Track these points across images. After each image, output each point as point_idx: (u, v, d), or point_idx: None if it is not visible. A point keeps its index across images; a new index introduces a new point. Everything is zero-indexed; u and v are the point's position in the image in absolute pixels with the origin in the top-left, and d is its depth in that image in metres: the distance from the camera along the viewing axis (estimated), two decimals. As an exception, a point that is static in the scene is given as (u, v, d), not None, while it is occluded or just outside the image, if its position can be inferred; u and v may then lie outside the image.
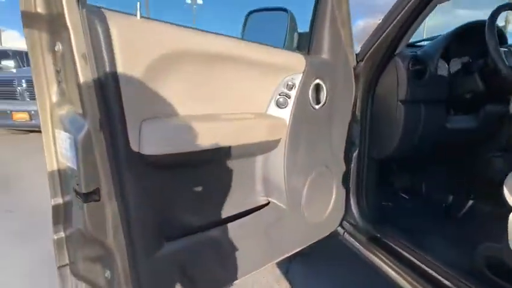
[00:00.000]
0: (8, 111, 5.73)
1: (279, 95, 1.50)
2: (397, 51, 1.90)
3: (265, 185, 1.53)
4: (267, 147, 1.47)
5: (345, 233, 2.11)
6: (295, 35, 1.77)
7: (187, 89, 1.22)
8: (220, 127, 1.27)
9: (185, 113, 1.21)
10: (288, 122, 1.50)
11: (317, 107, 1.61)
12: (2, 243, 2.79)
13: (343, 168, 1.87)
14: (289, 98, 1.50)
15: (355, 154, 2.07)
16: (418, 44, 2.17)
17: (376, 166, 2.09)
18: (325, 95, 1.63)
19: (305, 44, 1.68)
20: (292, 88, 1.51)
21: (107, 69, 0.99)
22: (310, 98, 1.57)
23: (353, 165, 2.06)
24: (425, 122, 1.91)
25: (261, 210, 1.51)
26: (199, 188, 1.34)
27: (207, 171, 1.33)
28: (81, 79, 0.97)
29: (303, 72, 1.53)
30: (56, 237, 1.23)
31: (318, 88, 1.62)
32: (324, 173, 1.73)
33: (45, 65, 1.09)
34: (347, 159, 1.93)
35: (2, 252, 2.64)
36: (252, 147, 1.38)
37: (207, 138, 1.22)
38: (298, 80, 1.52)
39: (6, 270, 2.39)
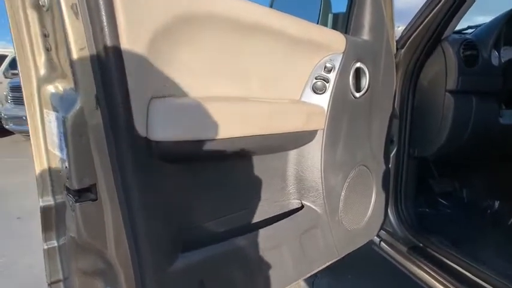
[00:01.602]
0: (24, 117, 5.54)
1: (316, 78, 1.20)
2: (443, 37, 1.59)
3: (299, 185, 1.23)
4: (302, 139, 1.17)
5: (381, 242, 1.78)
6: (330, 16, 1.47)
7: (208, 64, 0.93)
8: (246, 112, 0.97)
9: (204, 93, 0.92)
10: (326, 111, 1.20)
11: (358, 94, 1.30)
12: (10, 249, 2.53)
13: (383, 168, 1.55)
14: (328, 82, 1.20)
15: (393, 153, 1.75)
16: (464, 31, 1.86)
17: (416, 166, 1.77)
18: (367, 82, 1.32)
19: (341, 25, 1.39)
20: (331, 71, 1.21)
21: (105, 28, 0.70)
22: (351, 83, 1.27)
23: (391, 165, 1.74)
24: (477, 115, 1.59)
25: (294, 215, 1.20)
26: (221, 187, 1.04)
27: (230, 166, 1.04)
28: (71, 39, 0.69)
29: (343, 53, 1.23)
30: (46, 247, 0.94)
31: (358, 73, 1.32)
32: (363, 173, 1.41)
33: (29, 27, 0.81)
34: (386, 158, 1.61)
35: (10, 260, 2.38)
36: (285, 139, 1.08)
37: (230, 124, 0.92)
38: (337, 61, 1.22)
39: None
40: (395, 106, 1.68)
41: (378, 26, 1.40)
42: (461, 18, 1.56)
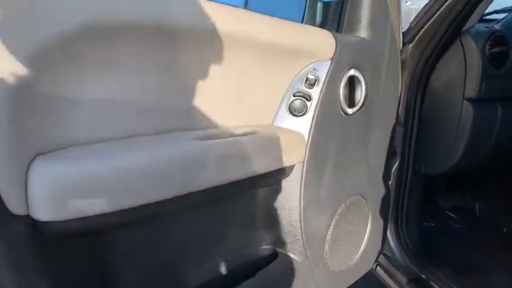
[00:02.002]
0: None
1: (294, 95, 0.91)
2: (464, 28, 1.26)
3: (272, 229, 0.96)
4: (273, 177, 0.89)
5: (377, 267, 1.53)
6: (319, 5, 1.15)
7: (132, 94, 0.65)
8: (188, 164, 0.69)
9: (123, 133, 0.64)
10: (307, 138, 0.91)
11: (351, 111, 1.01)
12: None
13: (382, 190, 1.28)
14: (310, 100, 0.91)
15: (395, 166, 1.46)
16: (488, 17, 1.50)
17: (421, 183, 1.49)
18: (363, 93, 1.02)
19: (333, 17, 1.07)
20: (314, 84, 0.91)
21: None
22: (342, 97, 0.97)
23: (392, 181, 1.46)
24: (502, 126, 1.28)
25: (267, 268, 0.95)
26: (162, 249, 0.78)
27: (171, 223, 0.77)
28: None
29: (332, 59, 0.93)
30: None
31: (352, 82, 1.02)
32: (356, 205, 1.14)
33: None
34: (386, 177, 1.33)
35: None
36: (247, 184, 0.81)
37: (164, 184, 0.65)
38: (323, 71, 0.93)
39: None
40: (400, 112, 1.38)
41: (379, 18, 1.08)
42: (490, 3, 1.23)
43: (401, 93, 1.32)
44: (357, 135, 1.08)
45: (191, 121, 0.74)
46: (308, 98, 0.90)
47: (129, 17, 0.60)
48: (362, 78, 1.01)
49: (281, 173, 0.86)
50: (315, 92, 0.91)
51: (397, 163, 1.47)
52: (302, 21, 1.11)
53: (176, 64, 0.69)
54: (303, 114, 0.90)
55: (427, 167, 1.38)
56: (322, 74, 0.92)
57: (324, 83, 0.92)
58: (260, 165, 0.80)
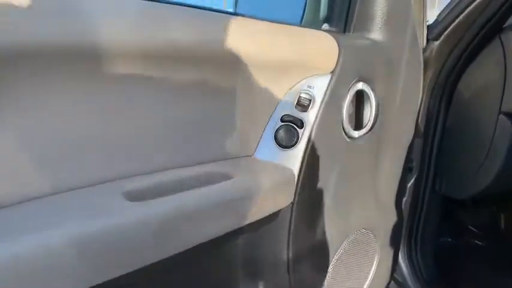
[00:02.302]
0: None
1: (282, 121, 0.71)
2: (506, 24, 1.01)
3: (251, 285, 0.79)
4: (253, 229, 0.70)
5: (387, 294, 1.36)
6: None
7: (35, 135, 0.46)
8: (124, 232, 0.50)
9: (25, 195, 0.47)
10: (297, 174, 0.71)
11: (357, 134, 0.80)
12: None
13: (394, 218, 1.08)
14: (302, 126, 0.71)
15: (411, 182, 1.26)
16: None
17: (440, 203, 1.28)
18: (373, 111, 0.81)
19: (340, 13, 0.84)
20: (308, 106, 0.71)
21: None
22: (345, 119, 0.76)
23: (406, 198, 1.25)
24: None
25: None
26: None
27: None
28: None
29: (333, 72, 0.72)
30: None
31: (360, 98, 0.80)
32: (361, 240, 0.95)
33: None
34: (400, 197, 1.13)
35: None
36: (215, 243, 0.62)
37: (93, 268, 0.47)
38: (321, 87, 0.72)
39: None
40: (419, 121, 1.16)
41: (398, 13, 0.85)
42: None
43: (422, 99, 1.09)
44: (365, 160, 0.87)
45: (132, 166, 0.55)
46: (299, 124, 0.70)
47: (30, 38, 0.41)
48: (372, 93, 0.80)
49: (261, 223, 0.67)
50: (309, 116, 0.71)
51: (413, 179, 1.26)
52: (302, 18, 0.88)
53: (108, 94, 0.50)
54: (293, 146, 0.70)
55: (449, 188, 1.17)
56: (319, 92, 0.71)
57: (321, 104, 0.71)
58: (231, 222, 0.61)
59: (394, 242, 1.11)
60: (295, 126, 0.70)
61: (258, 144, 0.71)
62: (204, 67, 0.59)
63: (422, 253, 1.29)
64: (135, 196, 0.52)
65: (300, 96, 0.70)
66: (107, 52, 0.47)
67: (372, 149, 0.89)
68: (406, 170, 1.14)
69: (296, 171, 0.71)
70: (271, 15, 0.69)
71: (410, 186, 1.26)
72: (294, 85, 0.71)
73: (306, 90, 0.71)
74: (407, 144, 1.07)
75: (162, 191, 0.55)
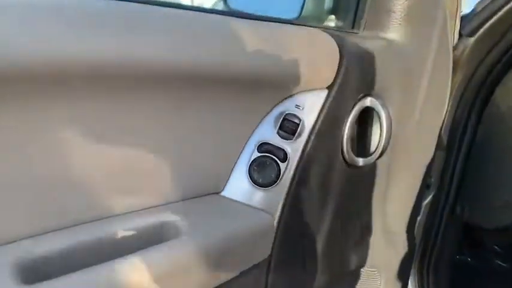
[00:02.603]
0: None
1: (260, 151, 0.54)
2: None
3: None
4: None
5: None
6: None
7: None
8: None
9: None
10: (276, 219, 0.55)
11: (361, 161, 0.62)
12: None
13: (404, 249, 0.91)
14: (285, 160, 0.53)
15: (427, 200, 1.08)
16: None
17: (460, 228, 1.10)
18: (384, 133, 0.62)
19: (348, 5, 0.64)
20: (295, 133, 0.53)
21: None
22: (345, 146, 0.59)
23: (420, 218, 1.08)
24: None
25: None
26: None
27: None
28: None
29: (331, 87, 0.54)
30: None
31: (367, 117, 0.62)
32: (362, 277, 0.79)
33: None
34: (413, 219, 0.96)
35: None
36: None
37: None
38: (313, 107, 0.54)
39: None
40: (443, 131, 0.96)
41: (424, 5, 0.65)
42: None
43: (448, 104, 0.90)
44: (371, 190, 0.70)
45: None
46: (282, 156, 0.53)
47: None
48: (384, 110, 0.61)
49: (227, 287, 0.52)
50: (295, 146, 0.53)
51: (430, 196, 1.08)
52: (299, 13, 0.69)
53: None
54: (272, 184, 0.53)
55: (474, 215, 0.98)
56: (311, 114, 0.54)
57: (312, 130, 0.54)
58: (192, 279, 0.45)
59: (402, 276, 0.95)
60: (275, 158, 0.53)
61: (228, 178, 0.55)
62: (155, 84, 0.42)
63: (435, 283, 1.13)
64: (33, 270, 0.37)
65: (284, 119, 0.53)
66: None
67: (382, 176, 0.71)
68: (423, 187, 0.96)
69: (276, 216, 0.54)
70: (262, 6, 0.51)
71: (426, 205, 1.08)
72: (277, 104, 0.54)
73: (292, 111, 0.53)
74: (427, 163, 0.88)
75: (77, 260, 0.39)
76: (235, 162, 0.54)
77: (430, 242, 1.09)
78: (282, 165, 0.53)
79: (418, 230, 1.07)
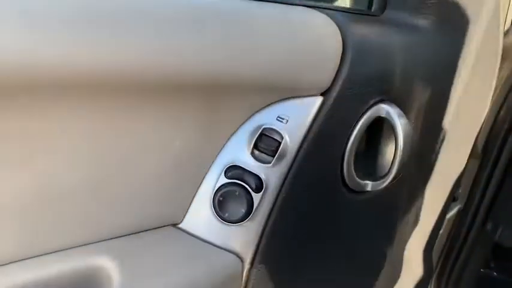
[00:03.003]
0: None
1: (228, 176, 0.40)
2: None
3: None
4: None
5: None
6: None
7: None
8: None
9: None
10: (248, 261, 0.42)
11: (370, 185, 0.48)
12: None
13: (419, 274, 0.77)
14: (259, 190, 0.40)
15: (452, 213, 0.93)
16: None
17: (488, 248, 0.95)
18: (399, 149, 0.47)
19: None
20: (274, 154, 0.39)
21: None
22: (346, 168, 0.44)
23: (442, 231, 0.92)
24: None
25: None
26: None
27: None
28: None
29: (327, 93, 0.39)
30: None
31: (377, 131, 0.47)
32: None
33: None
34: (432, 242, 0.81)
35: None
36: None
37: None
38: (301, 120, 0.39)
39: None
40: (480, 138, 0.79)
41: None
42: None
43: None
44: (385, 219, 0.56)
45: None
46: (255, 185, 0.39)
47: None
48: (402, 123, 0.46)
49: None
50: (275, 172, 0.40)
51: (456, 210, 0.92)
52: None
53: None
54: (241, 221, 0.40)
55: (506, 234, 0.82)
56: (298, 130, 0.39)
57: (299, 151, 0.39)
58: None
59: None
60: (247, 187, 0.39)
61: (188, 207, 0.42)
62: (82, 91, 0.29)
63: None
64: None
65: (260, 136, 0.39)
66: None
67: (398, 200, 0.56)
68: (450, 200, 0.80)
69: (247, 261, 0.42)
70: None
71: (449, 219, 0.93)
72: (252, 115, 0.39)
73: (272, 124, 0.39)
74: (457, 175, 0.72)
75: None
76: (197, 190, 0.41)
77: (452, 256, 0.94)
78: (256, 197, 0.40)
79: (438, 245, 0.92)
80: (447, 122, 0.58)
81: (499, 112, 0.78)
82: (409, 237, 0.67)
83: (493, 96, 0.71)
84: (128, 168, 0.37)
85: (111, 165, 0.35)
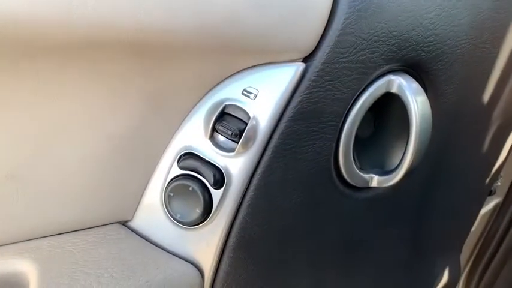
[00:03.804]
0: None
1: (181, 165, 0.31)
2: None
3: None
4: None
5: None
6: None
7: None
8: None
9: None
10: (210, 277, 0.33)
11: (376, 180, 0.37)
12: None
13: (447, 273, 0.66)
14: (221, 185, 0.30)
15: (485, 211, 0.80)
16: None
17: None
18: (412, 142, 0.35)
19: None
20: (237, 139, 0.29)
21: None
22: (342, 159, 0.34)
23: (473, 228, 0.80)
24: None
25: None
26: None
27: None
28: None
29: (313, 57, 0.28)
30: None
31: (386, 110, 0.36)
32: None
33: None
34: (464, 233, 0.69)
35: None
36: None
37: None
38: (275, 94, 0.29)
39: None
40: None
41: None
42: None
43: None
44: (394, 218, 0.45)
45: None
46: (215, 180, 0.30)
47: None
48: (419, 101, 0.34)
49: None
50: (241, 162, 0.30)
51: (492, 205, 0.79)
52: None
53: None
54: (197, 224, 0.31)
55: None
56: (271, 108, 0.29)
57: (273, 135, 0.29)
58: None
59: None
60: (205, 181, 0.30)
61: (138, 203, 0.34)
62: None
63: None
64: None
65: (222, 115, 0.29)
66: None
67: (412, 197, 0.45)
68: (485, 194, 0.67)
69: (207, 271, 0.33)
70: None
71: (484, 215, 0.80)
72: (211, 88, 0.29)
73: (236, 100, 0.29)
74: (495, 166, 0.60)
75: None
76: (149, 180, 0.33)
77: (485, 258, 0.81)
78: (216, 194, 0.30)
79: (469, 243, 0.80)
80: (485, 97, 0.45)
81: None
82: (430, 235, 0.56)
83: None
84: (53, 153, 0.28)
85: (26, 151, 0.27)
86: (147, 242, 0.33)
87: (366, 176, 0.37)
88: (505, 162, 0.63)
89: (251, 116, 0.29)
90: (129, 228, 0.34)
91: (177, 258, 0.33)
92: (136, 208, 0.34)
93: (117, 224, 0.34)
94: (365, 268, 0.46)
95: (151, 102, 0.29)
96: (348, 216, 0.39)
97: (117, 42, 0.24)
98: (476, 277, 0.82)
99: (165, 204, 0.32)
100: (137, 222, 0.34)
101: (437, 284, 0.64)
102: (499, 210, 0.77)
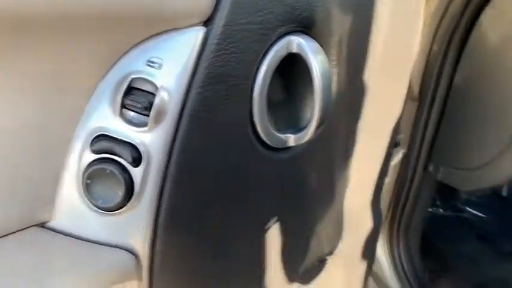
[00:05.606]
0: None
1: (94, 149, 0.28)
2: None
3: None
4: None
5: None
6: None
7: None
8: None
9: None
10: (146, 259, 0.31)
11: (292, 139, 0.38)
12: None
13: (367, 226, 0.71)
14: (139, 163, 0.28)
15: (395, 162, 0.88)
16: None
17: (432, 187, 0.92)
18: (317, 96, 0.37)
19: None
20: (147, 112, 0.27)
21: None
22: (258, 120, 0.34)
23: (388, 178, 0.87)
24: None
25: None
26: None
27: None
28: None
29: (211, 21, 0.28)
30: None
31: (293, 72, 0.37)
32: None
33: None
34: (378, 192, 0.75)
35: None
36: None
37: None
38: (179, 61, 0.28)
39: None
40: (413, 76, 0.72)
41: None
42: None
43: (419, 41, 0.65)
44: (313, 177, 0.47)
45: None
46: (132, 159, 0.28)
47: None
48: (318, 59, 0.36)
49: None
50: (156, 137, 0.28)
51: (400, 156, 0.88)
52: None
53: None
54: (120, 208, 0.29)
55: (447, 175, 0.78)
56: (178, 76, 0.28)
57: (185, 104, 0.28)
58: None
59: (368, 253, 0.75)
60: (121, 161, 0.28)
61: (53, 199, 0.30)
62: None
63: (406, 247, 0.96)
64: None
65: (129, 90, 0.27)
66: None
67: (328, 153, 0.47)
68: (391, 146, 0.74)
69: (142, 254, 0.31)
70: None
71: (395, 165, 0.88)
72: (116, 62, 0.28)
73: (141, 73, 0.27)
74: (395, 119, 0.65)
75: None
76: (60, 172, 0.30)
77: (400, 204, 0.90)
78: (136, 173, 0.28)
79: (385, 193, 0.87)
80: (377, 57, 0.49)
81: (430, 50, 0.71)
82: (349, 190, 0.60)
83: (422, 35, 0.64)
84: None
85: None
86: (72, 239, 0.30)
87: (282, 136, 0.38)
88: (402, 114, 0.70)
89: (158, 86, 0.27)
90: (50, 228, 0.31)
91: (108, 247, 0.30)
92: (54, 205, 0.30)
93: (34, 227, 0.31)
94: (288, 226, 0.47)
95: (48, 85, 0.26)
96: (271, 177, 0.39)
97: (44, 17, 0.21)
98: (396, 219, 0.91)
99: (84, 194, 0.29)
100: (57, 221, 0.31)
101: (364, 230, 0.69)
102: (405, 158, 0.86)
